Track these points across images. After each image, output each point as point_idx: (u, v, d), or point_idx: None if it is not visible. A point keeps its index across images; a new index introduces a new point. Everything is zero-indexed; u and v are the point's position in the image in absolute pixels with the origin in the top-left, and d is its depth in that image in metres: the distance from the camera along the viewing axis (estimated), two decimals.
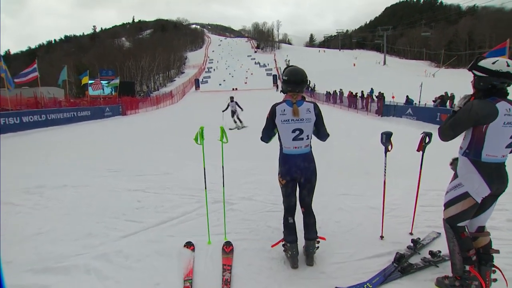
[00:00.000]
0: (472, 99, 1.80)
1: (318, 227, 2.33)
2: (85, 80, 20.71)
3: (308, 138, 2.17)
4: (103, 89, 25.01)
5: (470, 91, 1.87)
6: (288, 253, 2.26)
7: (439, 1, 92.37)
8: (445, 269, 2.15)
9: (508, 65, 1.64)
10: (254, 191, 4.01)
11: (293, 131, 2.12)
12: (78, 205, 3.61)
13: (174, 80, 63.52)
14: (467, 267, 1.86)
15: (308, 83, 2.21)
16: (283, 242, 2.32)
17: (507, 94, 1.74)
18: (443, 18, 74.98)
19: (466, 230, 1.91)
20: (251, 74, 57.78)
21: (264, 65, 64.62)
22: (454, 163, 2.01)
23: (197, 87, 47.79)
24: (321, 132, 2.23)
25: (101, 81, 24.17)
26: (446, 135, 1.87)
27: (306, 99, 2.18)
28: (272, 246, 2.43)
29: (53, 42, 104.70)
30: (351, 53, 75.51)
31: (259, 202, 3.66)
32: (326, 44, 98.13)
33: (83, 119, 15.93)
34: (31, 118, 12.22)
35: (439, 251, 2.31)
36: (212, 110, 16.01)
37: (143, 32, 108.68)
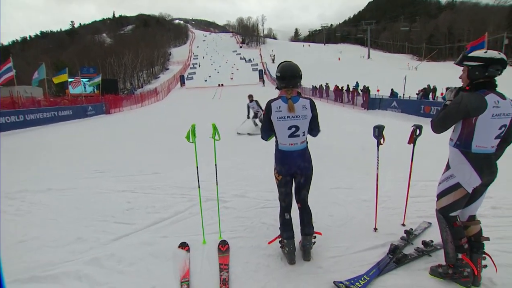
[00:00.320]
0: (465, 90, 1.84)
1: (313, 222, 2.33)
2: (61, 78, 18.66)
3: (304, 135, 2.16)
4: (84, 87, 24.04)
5: (451, 83, 1.90)
6: (286, 249, 2.26)
7: None
8: (438, 258, 2.21)
9: (499, 53, 1.73)
10: (246, 188, 3.98)
11: (289, 128, 2.10)
12: (65, 209, 3.47)
13: (159, 77, 61.90)
14: (460, 255, 1.92)
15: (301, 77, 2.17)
16: (280, 239, 2.31)
17: (496, 86, 1.79)
18: (424, 12, 76.81)
19: (458, 219, 1.96)
20: (237, 69, 57.14)
21: (250, 60, 64.03)
22: (448, 93, 2.00)
23: (183, 83, 46.89)
24: (314, 128, 2.22)
25: (82, 79, 23.26)
26: (438, 127, 1.93)
27: (302, 95, 2.16)
28: (269, 243, 2.42)
29: (28, 38, 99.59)
30: (336, 47, 75.97)
31: (252, 198, 3.63)
32: (311, 38, 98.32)
33: (64, 119, 15.35)
34: (7, 119, 11.69)
35: (432, 241, 2.38)
36: (198, 107, 15.78)
37: (124, 28, 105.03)
